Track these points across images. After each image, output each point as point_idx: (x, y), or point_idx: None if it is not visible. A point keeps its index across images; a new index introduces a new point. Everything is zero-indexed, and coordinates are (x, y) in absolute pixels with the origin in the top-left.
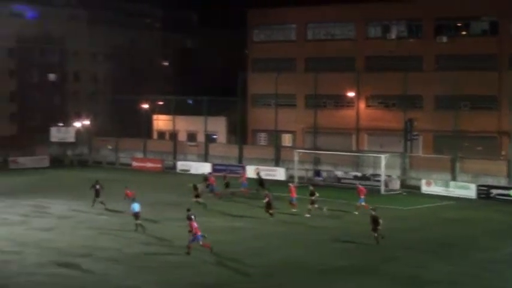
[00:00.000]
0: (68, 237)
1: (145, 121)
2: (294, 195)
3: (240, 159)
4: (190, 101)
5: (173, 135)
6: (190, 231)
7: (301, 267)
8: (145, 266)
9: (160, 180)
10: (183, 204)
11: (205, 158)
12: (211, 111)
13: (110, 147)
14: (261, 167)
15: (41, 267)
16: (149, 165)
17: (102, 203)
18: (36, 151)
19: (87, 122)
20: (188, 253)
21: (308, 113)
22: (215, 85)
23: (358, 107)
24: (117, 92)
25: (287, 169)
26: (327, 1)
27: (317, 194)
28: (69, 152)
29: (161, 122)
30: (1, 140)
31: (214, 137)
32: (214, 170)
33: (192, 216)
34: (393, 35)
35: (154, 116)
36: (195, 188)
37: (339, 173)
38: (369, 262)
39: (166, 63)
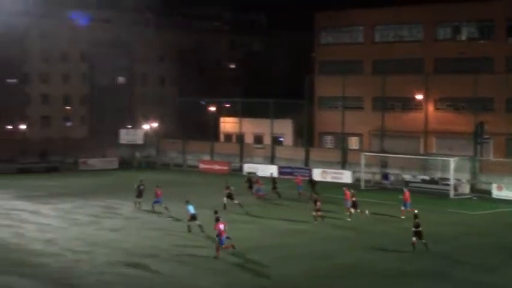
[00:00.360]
0: (136, 237)
1: (212, 123)
2: (349, 199)
3: (307, 161)
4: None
5: (240, 137)
6: (218, 235)
7: (369, 271)
8: (211, 267)
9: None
10: (251, 205)
11: (271, 160)
12: (278, 113)
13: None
14: (327, 170)
15: (111, 267)
16: (216, 167)
17: (138, 203)
18: (106, 153)
19: (155, 124)
20: (216, 257)
21: (375, 115)
22: (282, 87)
23: (427, 109)
24: (184, 94)
25: (353, 172)
26: (394, 3)
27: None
28: (137, 154)
29: (228, 124)
30: (72, 142)
31: (281, 139)
32: (281, 172)
33: (220, 219)
34: (463, 36)
35: (221, 119)
36: (228, 187)
37: (407, 177)
38: (436, 267)
39: (233, 66)
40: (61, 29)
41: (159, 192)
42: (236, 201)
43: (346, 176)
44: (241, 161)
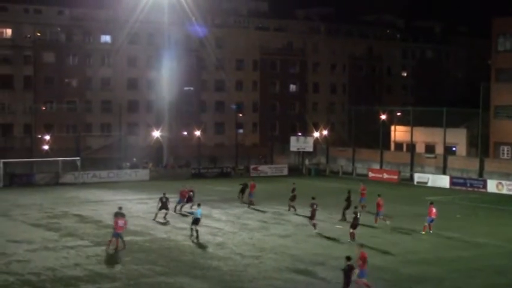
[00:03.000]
0: (304, 244)
1: (383, 132)
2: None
3: (481, 172)
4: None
5: (411, 146)
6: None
7: None
8: (381, 277)
9: (396, 192)
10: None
11: (443, 170)
12: (451, 122)
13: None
14: (503, 182)
15: (279, 273)
16: (385, 176)
17: (165, 214)
18: (276, 160)
19: (325, 132)
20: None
21: None
22: (456, 96)
23: None
24: (355, 102)
25: None
26: None
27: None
28: (306, 161)
29: (399, 133)
30: (244, 149)
31: (454, 149)
32: (453, 183)
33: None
34: None
35: (392, 127)
36: (293, 190)
37: None
38: None
39: (405, 74)
40: (235, 38)
41: (185, 191)
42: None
43: None
44: (412, 171)
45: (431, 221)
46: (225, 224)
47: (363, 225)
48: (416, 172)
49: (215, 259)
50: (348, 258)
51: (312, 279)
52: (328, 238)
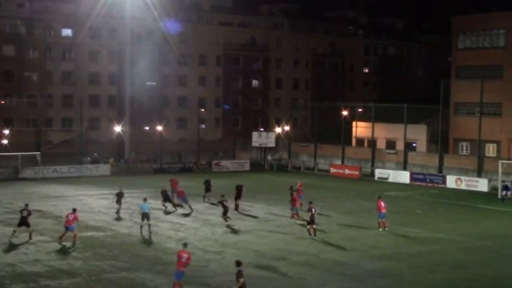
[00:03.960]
0: (266, 240)
1: (345, 128)
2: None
3: (441, 168)
4: None
5: (372, 142)
6: None
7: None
8: (341, 272)
9: (357, 187)
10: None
11: (404, 166)
12: (412, 119)
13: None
14: (462, 178)
15: None
16: (347, 172)
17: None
18: (238, 155)
19: (287, 128)
20: None
21: None
22: (416, 92)
23: None
24: (317, 98)
25: (490, 180)
26: None
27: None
28: (268, 157)
29: (360, 129)
30: (207, 144)
31: (414, 145)
32: (413, 179)
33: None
34: None
35: (354, 123)
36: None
37: None
38: None
39: (367, 70)
40: (199, 33)
41: (174, 180)
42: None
43: (481, 185)
44: (373, 166)
45: (383, 216)
46: (187, 220)
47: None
48: (377, 168)
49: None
50: (238, 263)
51: (274, 274)
52: (290, 233)
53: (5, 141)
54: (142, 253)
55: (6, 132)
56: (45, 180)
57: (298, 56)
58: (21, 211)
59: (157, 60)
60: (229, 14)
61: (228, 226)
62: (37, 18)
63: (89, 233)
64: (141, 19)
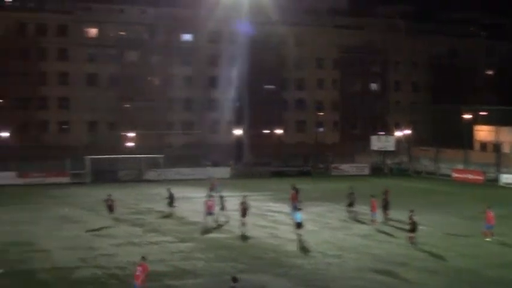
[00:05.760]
0: (386, 244)
1: (467, 131)
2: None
3: None
4: None
5: (497, 146)
6: None
7: None
8: (465, 280)
9: (481, 192)
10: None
11: None
12: None
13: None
14: None
15: (360, 272)
16: (470, 176)
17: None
18: (357, 159)
19: (407, 131)
20: None
21: None
22: None
23: None
24: (438, 101)
25: None
26: None
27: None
28: (388, 161)
29: (483, 132)
30: (324, 147)
31: None
32: None
33: None
34: None
35: (476, 127)
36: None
37: None
38: None
39: (490, 72)
40: (315, 36)
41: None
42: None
43: None
44: (498, 171)
45: (491, 227)
46: (306, 222)
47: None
48: (503, 173)
49: (297, 257)
50: (234, 280)
51: (394, 279)
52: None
53: (129, 144)
54: (263, 255)
55: (131, 135)
56: (167, 181)
57: (417, 58)
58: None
59: (276, 64)
60: (346, 17)
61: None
62: (159, 24)
63: (211, 235)
64: (261, 23)
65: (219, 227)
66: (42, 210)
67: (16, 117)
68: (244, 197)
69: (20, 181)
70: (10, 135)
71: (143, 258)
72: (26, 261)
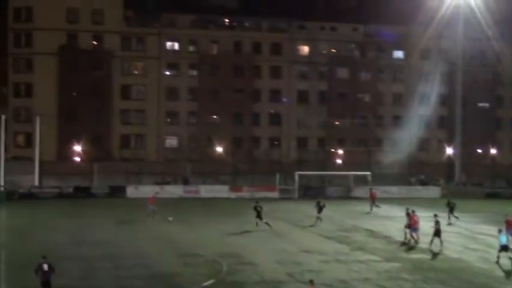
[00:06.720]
0: None
1: None
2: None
3: None
4: None
5: None
6: None
7: None
8: None
9: None
10: None
11: None
12: None
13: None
14: None
15: None
16: None
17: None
18: None
19: None
20: None
21: None
22: None
23: None
24: None
25: None
26: None
27: None
28: None
29: None
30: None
31: None
32: None
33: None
34: None
35: None
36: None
37: None
38: None
39: None
40: None
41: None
42: None
43: None
44: None
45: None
46: None
47: None
48: None
49: (509, 285)
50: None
51: None
52: None
53: (338, 161)
54: (473, 280)
55: (340, 151)
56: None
57: None
58: None
59: (491, 81)
60: None
61: None
62: (370, 41)
63: (418, 255)
64: (475, 39)
65: (424, 248)
66: (249, 223)
67: (230, 133)
68: (435, 216)
69: (233, 195)
70: (224, 150)
71: (311, 282)
72: (233, 273)
